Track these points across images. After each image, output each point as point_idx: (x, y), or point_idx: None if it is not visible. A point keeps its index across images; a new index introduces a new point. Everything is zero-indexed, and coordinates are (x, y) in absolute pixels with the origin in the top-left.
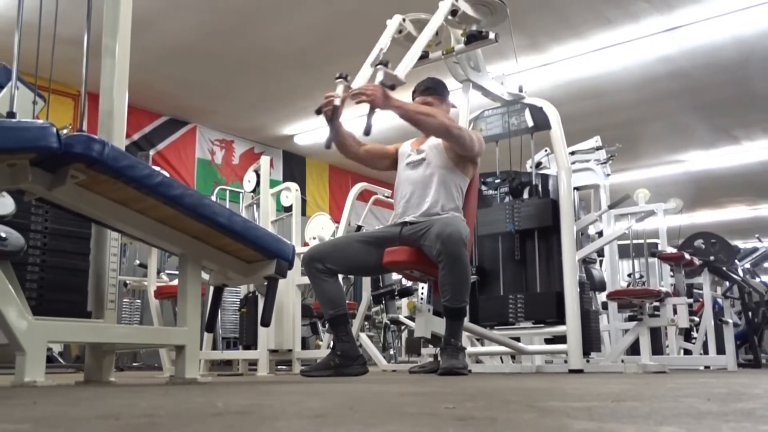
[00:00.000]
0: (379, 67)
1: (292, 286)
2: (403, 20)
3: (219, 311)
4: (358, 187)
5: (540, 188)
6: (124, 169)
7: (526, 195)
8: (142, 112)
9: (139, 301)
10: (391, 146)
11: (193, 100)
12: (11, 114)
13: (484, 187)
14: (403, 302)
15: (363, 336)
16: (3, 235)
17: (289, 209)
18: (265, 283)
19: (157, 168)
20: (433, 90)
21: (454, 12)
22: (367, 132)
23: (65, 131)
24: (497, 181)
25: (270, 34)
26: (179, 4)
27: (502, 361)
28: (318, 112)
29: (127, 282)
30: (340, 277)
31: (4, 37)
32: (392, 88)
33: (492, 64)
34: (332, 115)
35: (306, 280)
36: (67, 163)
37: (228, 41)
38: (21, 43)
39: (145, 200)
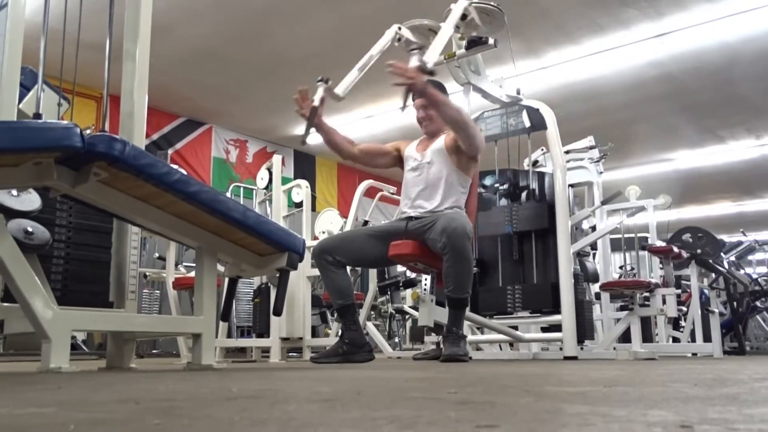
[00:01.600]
0: (414, 51)
1: (302, 278)
2: (399, 29)
3: (233, 301)
4: (365, 184)
5: (537, 192)
6: (143, 167)
7: (523, 198)
8: (161, 113)
9: (158, 291)
10: (389, 145)
11: (209, 102)
12: (37, 115)
13: (482, 190)
14: (408, 293)
15: (369, 325)
16: (30, 229)
17: (299, 205)
18: (277, 275)
19: (175, 166)
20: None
21: (464, 16)
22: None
23: (88, 131)
24: (496, 185)
25: (282, 40)
26: (197, 11)
27: (500, 349)
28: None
29: (147, 274)
30: (348, 268)
31: (30, 42)
32: (431, 74)
33: (491, 68)
34: (310, 114)
35: (316, 271)
36: (90, 161)
37: (242, 47)
38: (46, 48)
39: (164, 196)
